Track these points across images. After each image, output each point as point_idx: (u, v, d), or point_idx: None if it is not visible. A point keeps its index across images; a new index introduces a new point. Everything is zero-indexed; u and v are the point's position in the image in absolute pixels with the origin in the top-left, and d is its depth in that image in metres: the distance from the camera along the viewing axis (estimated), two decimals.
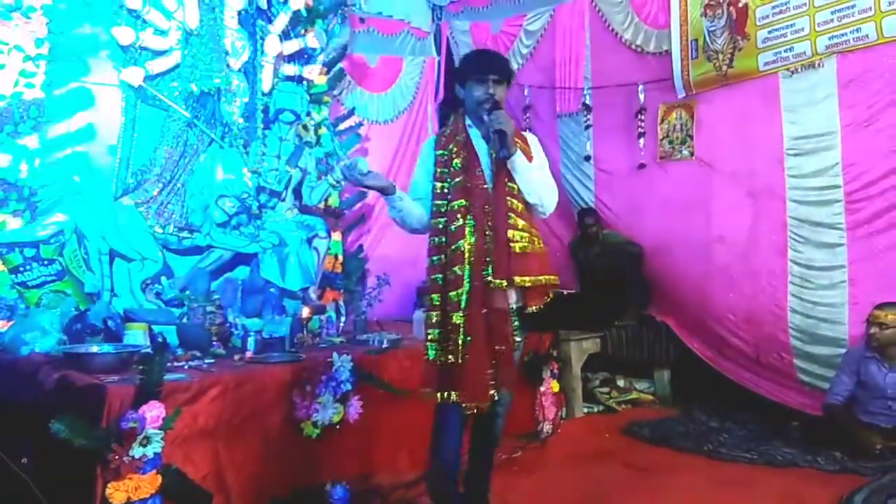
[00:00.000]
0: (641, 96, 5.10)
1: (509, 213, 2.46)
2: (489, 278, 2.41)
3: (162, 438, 2.49)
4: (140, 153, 4.02)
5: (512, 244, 2.44)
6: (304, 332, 3.76)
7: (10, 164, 3.68)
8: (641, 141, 5.11)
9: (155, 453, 2.47)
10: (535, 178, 2.52)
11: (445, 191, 2.53)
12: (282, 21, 4.61)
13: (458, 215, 2.46)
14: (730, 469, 3.59)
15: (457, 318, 2.40)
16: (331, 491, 3.02)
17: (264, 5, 4.53)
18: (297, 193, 4.60)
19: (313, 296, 4.41)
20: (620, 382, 5.12)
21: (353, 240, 5.62)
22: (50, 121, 3.81)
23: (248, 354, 3.27)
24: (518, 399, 4.08)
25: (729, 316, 4.55)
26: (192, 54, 3.99)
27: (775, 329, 4.31)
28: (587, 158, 5.49)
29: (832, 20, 4.05)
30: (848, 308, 4.05)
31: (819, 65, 4.13)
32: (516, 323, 2.52)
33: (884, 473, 3.27)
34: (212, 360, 3.16)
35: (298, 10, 4.70)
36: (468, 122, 2.61)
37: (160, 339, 3.24)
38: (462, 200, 2.47)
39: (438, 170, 2.57)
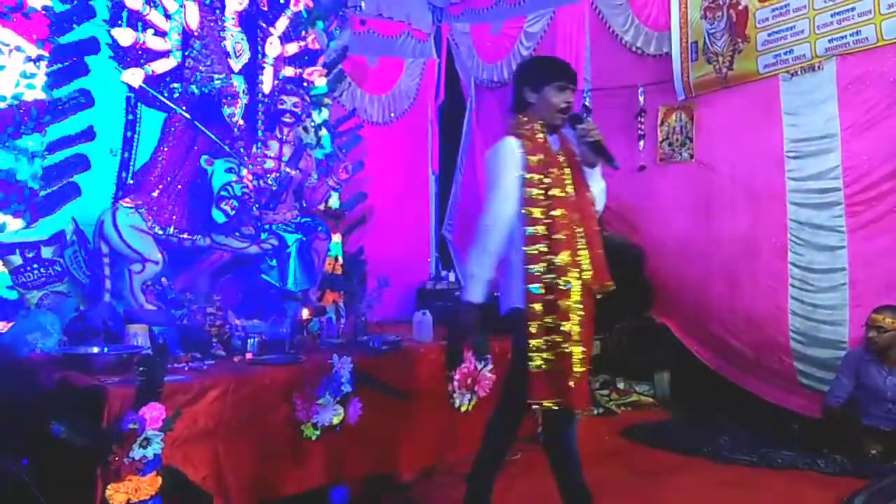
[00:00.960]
0: (641, 98, 5.11)
1: (594, 224, 2.57)
2: (593, 287, 2.51)
3: (162, 440, 2.48)
4: (140, 154, 4.02)
5: (600, 251, 2.55)
6: (305, 333, 3.75)
7: (11, 164, 3.68)
8: (641, 143, 5.12)
9: (155, 454, 2.47)
10: (604, 186, 2.67)
11: (542, 198, 2.49)
12: (282, 23, 4.61)
13: (561, 225, 2.46)
14: (730, 471, 3.59)
15: (567, 327, 2.40)
16: (331, 493, 3.02)
17: (265, 7, 4.53)
18: (298, 195, 4.60)
19: (313, 297, 4.41)
20: (620, 385, 5.12)
21: (353, 241, 5.62)
22: (51, 122, 3.82)
23: (249, 356, 3.27)
24: None
25: (729, 318, 4.56)
26: (193, 56, 3.99)
27: (775, 331, 4.31)
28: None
29: (832, 23, 4.06)
30: (848, 310, 4.06)
31: (819, 67, 4.14)
32: None
33: (884, 476, 3.27)
34: (212, 362, 3.16)
35: (299, 12, 4.70)
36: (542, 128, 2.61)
37: (160, 341, 3.24)
38: (563, 210, 2.48)
39: (535, 176, 2.50)
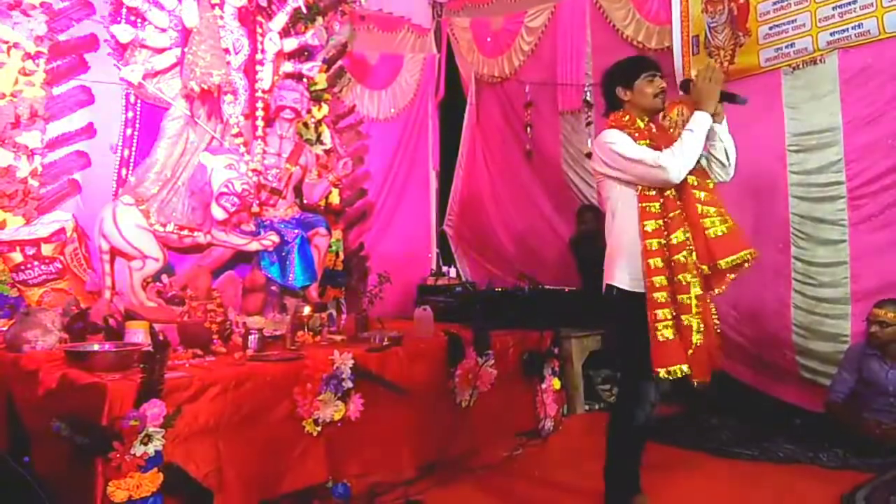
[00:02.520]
0: None
1: (697, 204, 2.61)
2: (700, 265, 2.61)
3: (163, 436, 2.49)
4: (140, 151, 4.02)
5: (707, 231, 2.59)
6: (305, 330, 3.75)
7: (11, 162, 3.68)
8: None
9: (156, 451, 2.47)
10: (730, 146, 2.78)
11: (654, 194, 2.67)
12: (281, 19, 4.60)
13: (674, 205, 2.63)
14: (732, 466, 3.59)
15: (685, 300, 2.58)
16: (332, 489, 3.02)
17: (264, 3, 4.52)
18: (298, 191, 4.59)
19: (314, 294, 4.41)
20: None
21: (354, 237, 5.62)
22: (50, 119, 3.82)
23: (249, 352, 3.26)
24: (519, 396, 4.11)
25: (731, 312, 4.54)
26: (192, 52, 3.98)
27: (778, 326, 4.30)
28: (588, 155, 5.47)
29: (833, 16, 4.04)
30: (850, 304, 4.04)
31: (820, 60, 4.12)
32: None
33: (886, 470, 3.26)
34: (213, 358, 3.16)
35: (298, 8, 4.68)
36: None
37: (161, 338, 3.23)
38: (672, 190, 2.65)
39: None
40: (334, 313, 4.03)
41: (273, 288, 4.18)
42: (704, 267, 2.60)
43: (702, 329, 2.60)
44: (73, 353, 2.88)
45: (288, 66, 4.65)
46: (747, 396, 4.47)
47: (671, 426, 4.28)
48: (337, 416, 3.09)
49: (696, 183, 2.65)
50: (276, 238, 4.20)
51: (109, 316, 3.38)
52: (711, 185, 2.71)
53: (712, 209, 2.63)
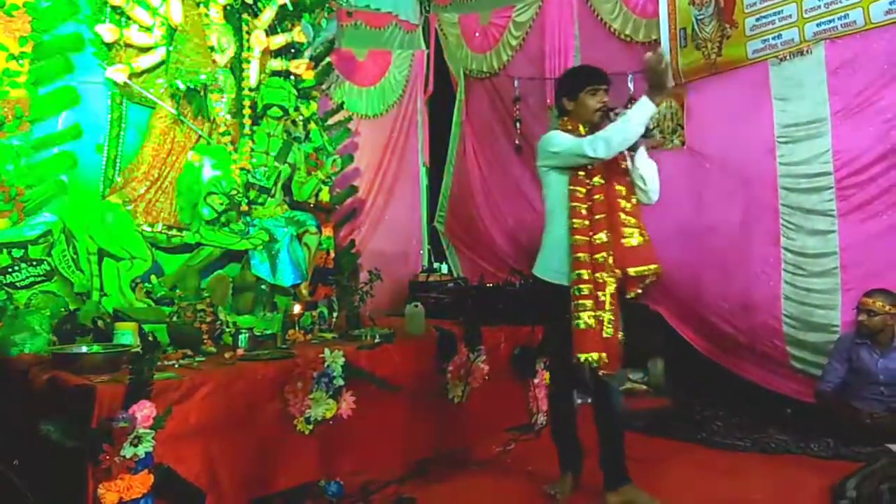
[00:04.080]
0: (631, 86, 5.08)
1: (620, 212, 2.84)
2: (639, 265, 2.82)
3: (153, 438, 2.48)
4: (127, 151, 3.99)
5: (624, 239, 2.82)
6: (296, 328, 3.75)
7: None
8: None
9: (146, 453, 2.46)
10: (655, 174, 2.96)
11: (586, 181, 2.89)
12: (268, 15, 4.57)
13: (600, 209, 2.85)
14: (723, 457, 3.61)
15: (601, 315, 2.80)
16: (325, 487, 3.02)
17: (250, 0, 4.50)
18: (287, 189, 4.57)
19: (305, 292, 4.39)
20: None
21: (344, 235, 5.61)
22: (35, 120, 3.78)
23: (240, 352, 3.26)
24: (511, 392, 4.11)
25: (722, 304, 4.56)
26: (178, 50, 3.95)
27: (768, 317, 4.31)
28: None
29: (819, 6, 4.04)
30: (840, 294, 4.05)
31: (807, 52, 4.13)
32: None
33: (876, 459, 3.28)
34: (202, 359, 3.15)
35: (284, 5, 4.65)
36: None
37: (150, 338, 3.23)
38: (601, 195, 2.86)
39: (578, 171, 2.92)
40: (325, 311, 4.02)
41: (263, 287, 4.16)
42: (618, 271, 2.81)
43: (612, 325, 2.80)
44: (61, 356, 2.87)
45: (275, 64, 4.63)
46: (738, 387, 4.49)
47: (663, 418, 4.30)
48: (328, 415, 3.09)
49: (623, 193, 2.88)
50: (265, 237, 4.18)
51: (98, 317, 3.36)
52: (635, 201, 2.93)
53: (632, 220, 2.86)
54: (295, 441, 3.01)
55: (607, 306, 2.79)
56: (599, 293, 2.80)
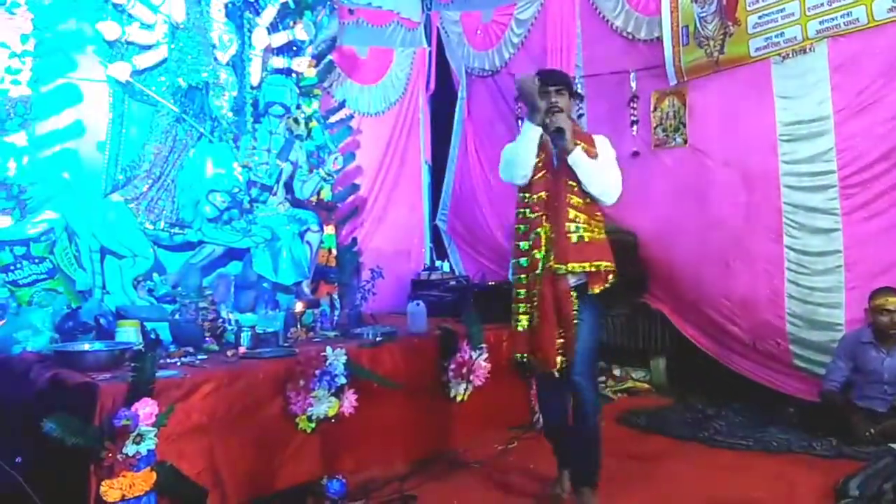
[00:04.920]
0: (633, 84, 5.08)
1: (568, 208, 2.79)
2: (551, 264, 2.77)
3: (155, 435, 2.47)
4: (129, 149, 3.99)
5: (569, 235, 2.76)
6: (298, 326, 3.74)
7: None
8: (634, 129, 5.09)
9: (148, 450, 2.46)
10: (594, 172, 2.80)
11: (525, 197, 2.90)
12: (269, 13, 4.57)
13: (538, 207, 2.83)
14: (726, 456, 3.60)
15: (526, 293, 2.85)
16: (327, 485, 3.01)
17: None
18: (289, 187, 4.57)
19: (307, 290, 4.39)
20: (616, 371, 5.12)
21: (346, 233, 5.60)
22: (37, 118, 3.78)
23: (242, 350, 3.26)
24: (513, 390, 4.10)
25: (724, 302, 4.55)
26: (179, 48, 3.95)
27: (771, 315, 4.31)
28: None
29: (822, 4, 4.03)
30: (844, 293, 4.05)
31: (810, 49, 4.12)
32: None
33: (879, 459, 3.27)
34: (205, 357, 3.15)
35: (286, 2, 4.66)
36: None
37: (152, 336, 3.23)
38: (543, 193, 2.84)
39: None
40: (327, 309, 4.02)
41: (265, 285, 4.16)
42: (561, 266, 2.75)
43: (547, 323, 2.79)
44: (64, 353, 2.87)
45: (277, 62, 4.63)
46: (741, 386, 4.49)
47: (665, 416, 4.29)
48: (331, 413, 3.08)
49: (574, 189, 2.81)
50: (267, 234, 4.18)
51: (100, 315, 3.36)
52: (589, 199, 2.84)
53: (583, 216, 2.80)
54: (297, 439, 3.01)
55: (538, 303, 2.80)
56: (533, 291, 2.82)
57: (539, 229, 2.82)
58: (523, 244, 2.88)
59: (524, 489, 3.22)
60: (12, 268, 3.53)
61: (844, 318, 4.02)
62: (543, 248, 2.81)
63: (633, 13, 5.06)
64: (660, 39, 4.83)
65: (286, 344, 3.46)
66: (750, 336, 4.43)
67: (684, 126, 4.83)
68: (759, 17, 4.31)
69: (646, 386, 5.05)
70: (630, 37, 5.08)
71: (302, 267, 4.27)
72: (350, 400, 3.15)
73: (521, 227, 2.90)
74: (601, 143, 2.93)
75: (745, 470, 3.37)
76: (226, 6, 4.25)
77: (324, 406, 3.06)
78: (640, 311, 5.04)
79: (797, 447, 3.61)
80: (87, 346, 2.99)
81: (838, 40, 4.00)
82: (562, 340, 2.79)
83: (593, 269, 2.78)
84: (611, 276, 2.84)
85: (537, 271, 2.81)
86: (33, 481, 2.53)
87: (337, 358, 3.12)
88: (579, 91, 5.41)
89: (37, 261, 3.58)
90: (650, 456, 3.61)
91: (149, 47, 4.00)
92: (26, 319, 3.24)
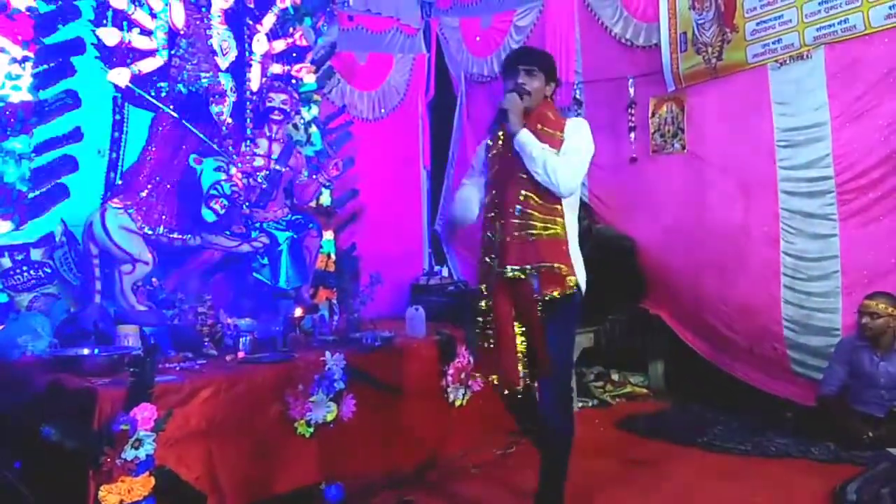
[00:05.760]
0: (632, 90, 5.10)
1: (517, 203, 2.51)
2: (504, 266, 2.49)
3: (154, 440, 2.48)
4: (128, 155, 4.00)
5: (518, 232, 2.49)
6: (297, 331, 3.75)
7: None
8: (633, 135, 5.11)
9: (147, 455, 2.47)
10: (538, 158, 2.48)
11: (487, 182, 2.69)
12: (269, 20, 4.59)
13: (491, 206, 2.61)
14: (724, 460, 3.61)
15: (486, 305, 2.58)
16: (325, 490, 3.02)
17: (251, 4, 4.51)
18: (288, 192, 4.58)
19: (306, 295, 4.40)
20: (615, 376, 5.13)
21: (345, 238, 5.60)
22: (37, 123, 3.79)
23: (241, 355, 3.26)
24: None
25: (722, 308, 4.56)
26: (179, 55, 3.96)
27: (768, 320, 4.31)
28: None
29: (819, 11, 4.05)
30: (840, 298, 4.05)
31: (807, 56, 4.14)
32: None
33: (877, 463, 3.28)
34: (203, 361, 3.15)
35: (286, 9, 4.67)
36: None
37: (151, 341, 3.23)
38: (495, 190, 2.61)
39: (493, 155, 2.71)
40: (326, 314, 4.03)
41: (264, 290, 4.17)
42: (505, 269, 2.49)
43: (494, 336, 2.55)
44: (63, 358, 2.88)
45: (276, 68, 4.64)
46: (739, 391, 4.49)
47: (663, 421, 4.30)
48: (329, 418, 3.09)
49: (526, 181, 2.52)
50: (266, 240, 4.19)
51: (99, 320, 3.37)
52: (545, 192, 2.52)
53: (536, 213, 2.50)
54: (295, 444, 3.02)
55: (494, 315, 2.54)
56: (486, 301, 2.58)
57: (489, 232, 2.59)
58: (482, 250, 2.63)
59: (523, 494, 3.22)
60: (12, 273, 3.54)
61: (841, 323, 4.03)
62: (496, 252, 2.55)
63: (631, 20, 5.08)
64: (658, 46, 4.85)
65: (285, 349, 3.46)
66: (748, 341, 4.44)
67: (682, 132, 4.85)
68: (757, 24, 4.34)
69: (644, 391, 5.07)
70: (628, 43, 5.10)
71: (301, 272, 4.28)
72: (349, 405, 3.16)
73: (483, 232, 2.65)
74: (573, 127, 2.62)
75: (744, 475, 3.37)
76: (225, 13, 4.26)
77: (322, 411, 3.07)
78: (638, 316, 5.05)
79: (795, 452, 3.62)
80: (86, 351, 3.00)
81: (835, 47, 4.03)
82: (523, 357, 2.51)
83: (535, 271, 2.46)
84: (571, 280, 2.50)
85: (490, 278, 2.57)
86: (32, 486, 2.53)
87: (336, 363, 3.13)
88: (578, 97, 5.44)
89: (36, 266, 3.59)
90: (648, 461, 3.62)
91: (149, 53, 4.01)
92: (26, 324, 3.24)
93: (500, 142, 2.65)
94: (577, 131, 2.62)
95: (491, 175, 2.66)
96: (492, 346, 2.57)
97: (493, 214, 2.59)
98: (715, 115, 4.65)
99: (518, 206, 2.50)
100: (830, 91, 4.06)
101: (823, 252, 4.13)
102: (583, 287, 2.60)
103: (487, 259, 2.58)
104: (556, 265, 2.48)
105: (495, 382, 2.61)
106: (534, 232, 2.48)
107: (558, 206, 2.53)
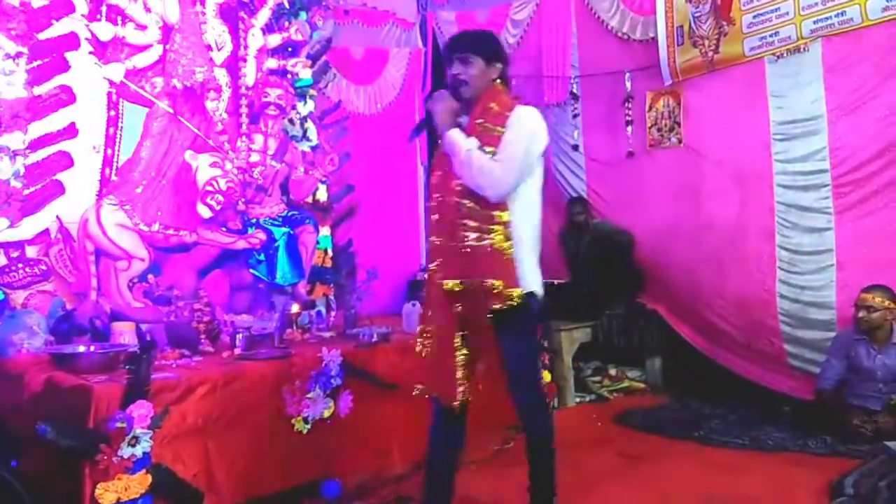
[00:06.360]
0: (628, 84, 5.10)
1: (453, 211, 2.30)
2: (443, 278, 2.30)
3: (151, 438, 2.48)
4: (124, 150, 3.98)
5: (454, 242, 2.28)
6: (294, 327, 3.74)
7: None
8: (629, 129, 5.11)
9: (144, 453, 2.46)
10: (465, 161, 2.26)
11: (433, 185, 2.48)
12: (264, 14, 4.57)
13: (435, 210, 2.40)
14: (721, 455, 3.61)
15: (429, 315, 2.42)
16: (323, 486, 3.02)
17: None
18: (284, 188, 4.57)
19: (302, 291, 4.40)
20: (612, 371, 5.13)
21: (342, 234, 5.59)
22: (32, 119, 3.77)
23: (237, 351, 3.26)
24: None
25: (719, 302, 4.57)
26: (174, 49, 3.94)
27: (765, 314, 4.32)
28: (575, 148, 5.49)
29: (817, 4, 4.05)
30: (836, 292, 4.06)
31: (804, 49, 4.13)
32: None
33: (874, 457, 3.29)
34: (200, 358, 3.15)
35: (281, 3, 4.65)
36: None
37: (147, 338, 3.22)
38: (436, 195, 2.42)
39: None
40: (323, 310, 4.03)
41: (261, 286, 4.17)
42: (448, 282, 2.28)
43: (433, 348, 2.40)
44: (58, 356, 2.87)
45: (272, 63, 4.63)
46: (736, 385, 4.50)
47: (660, 415, 4.31)
48: (326, 414, 3.09)
49: (462, 186, 2.30)
50: (262, 236, 4.18)
51: (95, 317, 3.36)
52: (484, 201, 2.29)
53: (471, 223, 2.27)
54: (292, 440, 3.01)
55: (433, 325, 2.39)
56: (428, 311, 2.43)
57: (433, 237, 2.40)
58: (429, 256, 2.45)
59: (520, 489, 3.22)
60: (7, 270, 3.52)
61: (836, 317, 4.04)
62: (439, 258, 2.36)
63: (628, 13, 5.07)
64: (654, 39, 4.84)
65: (282, 345, 3.45)
66: (745, 335, 4.44)
67: (679, 126, 4.85)
68: (754, 17, 4.33)
69: (641, 385, 5.07)
70: (625, 37, 5.10)
71: (298, 268, 4.28)
72: (346, 401, 3.16)
73: (429, 237, 2.47)
74: (516, 118, 2.36)
75: (741, 469, 3.37)
76: (220, 7, 4.24)
77: (319, 407, 3.06)
78: (635, 311, 5.05)
79: (792, 446, 3.63)
80: (81, 349, 2.99)
81: (832, 40, 4.02)
82: (462, 372, 2.35)
83: (472, 285, 2.25)
84: (514, 292, 2.24)
85: (432, 288, 2.39)
86: (28, 484, 2.53)
87: (332, 359, 3.13)
88: (574, 91, 5.42)
89: (32, 263, 3.58)
90: (646, 455, 3.62)
91: (143, 48, 3.99)
92: (21, 321, 3.23)
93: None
94: (515, 126, 2.33)
95: (434, 178, 2.46)
96: (427, 354, 2.40)
97: (436, 219, 2.39)
98: (712, 109, 4.65)
99: (454, 213, 2.29)
100: (827, 84, 4.06)
101: (819, 246, 4.13)
102: (538, 292, 2.37)
103: (432, 266, 2.39)
104: (489, 281, 2.23)
105: (434, 397, 2.44)
106: (468, 242, 2.26)
107: (497, 213, 2.27)
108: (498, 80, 2.48)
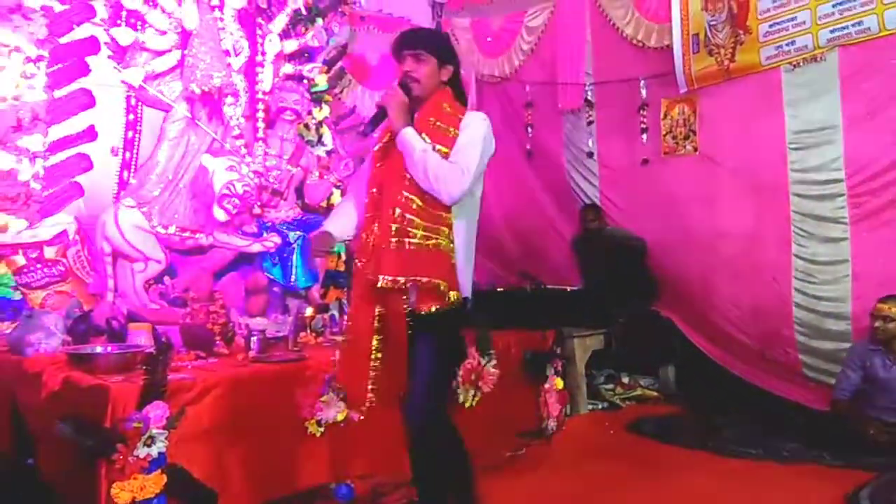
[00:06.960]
0: (643, 91, 5.09)
1: (397, 207, 2.22)
2: (377, 275, 2.20)
3: (166, 438, 2.48)
4: (142, 153, 4.03)
5: (395, 239, 2.20)
6: (308, 330, 3.75)
7: (13, 165, 3.69)
8: (644, 136, 5.10)
9: (159, 453, 2.47)
10: (420, 161, 2.19)
11: (372, 178, 2.39)
12: (281, 20, 4.61)
13: (373, 205, 2.33)
14: (735, 465, 3.58)
15: (349, 316, 2.36)
16: (335, 490, 3.02)
17: (264, 4, 4.53)
18: (300, 192, 4.60)
19: (316, 294, 4.41)
20: (625, 379, 5.11)
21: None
22: (51, 122, 3.82)
23: (252, 354, 3.26)
24: (521, 396, 4.10)
25: (733, 311, 4.55)
26: (192, 54, 3.98)
27: (780, 324, 4.30)
28: (590, 155, 5.49)
29: (833, 13, 4.04)
30: (851, 302, 4.03)
31: (821, 58, 4.12)
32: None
33: (890, 469, 3.25)
34: (215, 360, 3.16)
35: (298, 9, 4.69)
36: None
37: (164, 339, 3.24)
38: (374, 189, 2.34)
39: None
40: (336, 314, 4.03)
41: (275, 289, 4.18)
42: (378, 277, 2.19)
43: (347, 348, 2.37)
44: (76, 356, 2.88)
45: (288, 68, 4.66)
46: (751, 395, 4.47)
47: (674, 425, 4.28)
48: (340, 417, 3.08)
49: (409, 183, 2.23)
50: (277, 239, 4.20)
51: (112, 318, 3.38)
52: (430, 197, 2.23)
53: (418, 220, 2.20)
54: (306, 443, 3.01)
55: (350, 324, 2.35)
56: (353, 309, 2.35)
57: (365, 233, 2.32)
58: (356, 252, 2.39)
59: (532, 495, 3.22)
60: (26, 270, 3.56)
61: (852, 327, 4.01)
62: (367, 255, 2.29)
63: (643, 21, 5.07)
64: (670, 47, 4.84)
65: (296, 348, 3.46)
66: (760, 345, 4.42)
67: (694, 134, 4.84)
68: (770, 26, 4.32)
69: (655, 394, 5.04)
70: (640, 44, 5.10)
71: (312, 272, 4.29)
72: None
73: (360, 232, 2.41)
74: (471, 121, 2.32)
75: (756, 479, 3.35)
76: (238, 13, 4.28)
77: (333, 411, 3.05)
78: (649, 319, 5.03)
79: (808, 457, 3.60)
80: (99, 349, 3.01)
81: (849, 49, 4.01)
82: (375, 374, 2.28)
83: (411, 285, 2.18)
84: (452, 296, 2.23)
85: (359, 284, 2.32)
86: (44, 483, 2.54)
87: None
88: (589, 99, 5.42)
89: (50, 264, 3.62)
90: (659, 464, 3.60)
91: (162, 53, 4.04)
92: (39, 322, 3.26)
93: (389, 135, 2.35)
94: (469, 129, 2.29)
95: (374, 170, 2.36)
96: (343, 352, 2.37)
97: (370, 215, 2.32)
98: (727, 117, 4.64)
99: (398, 209, 2.21)
100: (843, 93, 4.05)
101: (835, 256, 4.11)
102: (468, 296, 2.35)
103: (359, 262, 2.32)
104: (435, 281, 2.19)
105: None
106: (413, 241, 2.19)
107: (444, 214, 2.24)
108: (447, 84, 2.42)
